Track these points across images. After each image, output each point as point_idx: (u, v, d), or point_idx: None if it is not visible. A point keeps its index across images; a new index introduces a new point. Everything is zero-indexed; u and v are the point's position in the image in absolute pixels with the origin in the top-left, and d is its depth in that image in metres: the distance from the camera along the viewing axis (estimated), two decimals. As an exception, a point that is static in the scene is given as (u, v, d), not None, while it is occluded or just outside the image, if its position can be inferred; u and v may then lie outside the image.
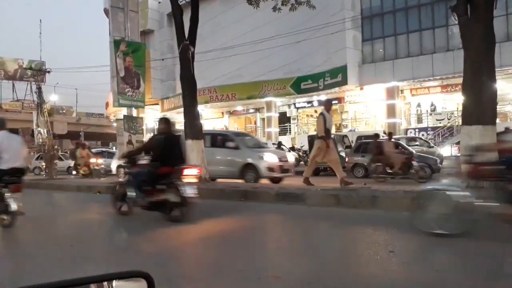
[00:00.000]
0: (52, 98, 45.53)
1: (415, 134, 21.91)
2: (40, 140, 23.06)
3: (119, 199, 6.64)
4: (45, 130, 18.64)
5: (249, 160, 11.34)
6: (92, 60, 62.14)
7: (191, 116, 11.22)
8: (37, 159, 21.14)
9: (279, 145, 19.71)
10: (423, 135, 21.48)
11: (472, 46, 7.25)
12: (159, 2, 34.48)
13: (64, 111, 55.43)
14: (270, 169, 11.20)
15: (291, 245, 4.66)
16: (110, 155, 19.95)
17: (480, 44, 7.16)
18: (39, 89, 30.04)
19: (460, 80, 8.48)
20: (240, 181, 11.12)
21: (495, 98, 7.32)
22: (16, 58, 54.21)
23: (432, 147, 16.63)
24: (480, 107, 7.06)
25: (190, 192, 5.80)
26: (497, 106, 7.64)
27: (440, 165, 13.19)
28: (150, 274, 1.06)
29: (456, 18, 7.56)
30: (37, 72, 37.62)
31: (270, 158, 11.40)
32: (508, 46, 18.78)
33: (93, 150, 23.04)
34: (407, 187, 7.99)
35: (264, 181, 11.08)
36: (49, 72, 34.75)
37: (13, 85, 54.11)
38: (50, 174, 15.19)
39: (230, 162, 11.67)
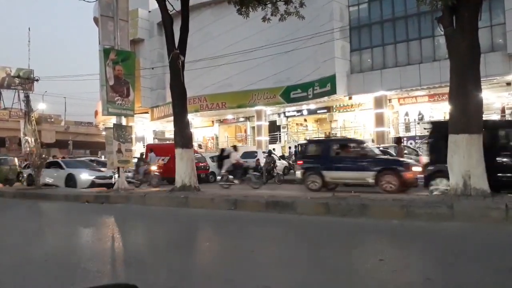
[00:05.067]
0: (40, 107, 45.00)
1: (403, 142, 22.11)
2: (28, 149, 22.81)
3: None
4: (32, 139, 18.46)
5: None
6: (82, 68, 61.72)
7: (181, 125, 11.21)
8: (24, 167, 20.66)
9: (270, 153, 19.70)
10: (411, 143, 21.68)
11: (457, 57, 7.40)
12: (149, 12, 34.49)
13: (52, 120, 54.77)
14: None
15: (281, 254, 4.66)
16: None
17: (465, 55, 7.31)
18: (27, 97, 29.84)
19: (446, 90, 8.61)
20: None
21: (481, 107, 7.45)
22: (4, 66, 53.59)
23: (420, 155, 16.80)
24: (466, 116, 7.17)
25: None
26: (483, 115, 7.78)
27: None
28: (137, 286, 1.06)
29: (442, 29, 7.71)
30: (25, 80, 37.35)
31: None
32: (493, 56, 19.17)
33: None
34: (395, 195, 8.05)
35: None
36: (37, 80, 34.59)
37: (0, 93, 53.39)
38: (37, 183, 14.96)
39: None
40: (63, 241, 5.80)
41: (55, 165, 16.58)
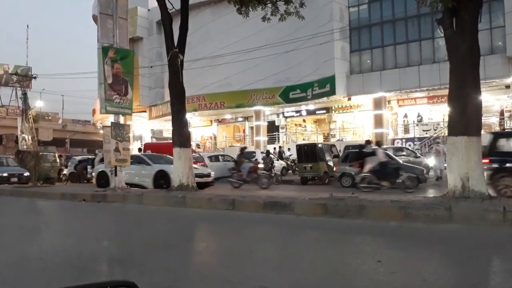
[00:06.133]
0: (38, 104, 44.92)
1: (402, 144, 22.12)
2: (24, 147, 22.70)
3: None
4: (29, 137, 18.35)
5: None
6: (80, 66, 61.73)
7: (179, 124, 11.19)
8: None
9: (268, 154, 19.70)
10: (409, 145, 21.69)
11: (457, 59, 7.39)
12: (149, 10, 34.43)
13: (49, 118, 54.65)
14: None
15: (278, 255, 4.63)
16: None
17: (465, 57, 7.31)
18: (24, 95, 29.72)
19: (446, 92, 8.60)
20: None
21: (480, 109, 7.45)
22: (2, 63, 53.45)
23: (419, 157, 16.79)
24: (465, 118, 7.17)
25: None
26: (482, 118, 7.77)
27: (427, 175, 13.25)
28: (136, 284, 1.04)
29: (442, 31, 7.71)
30: (23, 78, 37.22)
31: None
32: (493, 59, 19.19)
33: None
34: (394, 196, 8.04)
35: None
36: (35, 78, 34.46)
37: (-2, 90, 53.26)
38: (34, 181, 14.91)
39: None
40: (59, 240, 5.76)
41: (136, 160, 13.17)
